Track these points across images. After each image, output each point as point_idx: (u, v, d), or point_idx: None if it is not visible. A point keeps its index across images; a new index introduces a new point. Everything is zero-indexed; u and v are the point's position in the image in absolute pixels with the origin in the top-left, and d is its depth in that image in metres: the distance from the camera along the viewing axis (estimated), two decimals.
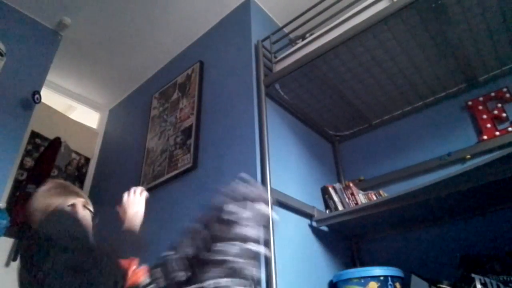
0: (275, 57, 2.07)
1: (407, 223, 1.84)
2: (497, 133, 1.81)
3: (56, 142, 2.83)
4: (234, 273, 0.73)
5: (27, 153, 2.68)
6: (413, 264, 1.73)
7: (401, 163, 2.07)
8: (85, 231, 0.87)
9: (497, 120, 1.84)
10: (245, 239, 0.77)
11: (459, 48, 1.77)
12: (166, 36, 2.75)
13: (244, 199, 0.85)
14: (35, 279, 0.67)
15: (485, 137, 1.82)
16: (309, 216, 1.85)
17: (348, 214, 1.72)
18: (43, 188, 1.07)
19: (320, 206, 2.01)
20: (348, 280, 1.53)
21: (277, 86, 2.01)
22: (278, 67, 1.98)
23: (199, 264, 0.76)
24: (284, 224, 1.68)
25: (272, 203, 1.57)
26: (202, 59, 2.53)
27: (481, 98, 1.92)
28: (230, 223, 0.79)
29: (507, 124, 1.82)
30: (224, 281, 0.71)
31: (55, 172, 2.75)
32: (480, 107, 1.90)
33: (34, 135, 2.76)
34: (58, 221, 0.81)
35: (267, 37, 2.17)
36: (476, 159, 1.75)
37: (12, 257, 2.34)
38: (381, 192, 1.96)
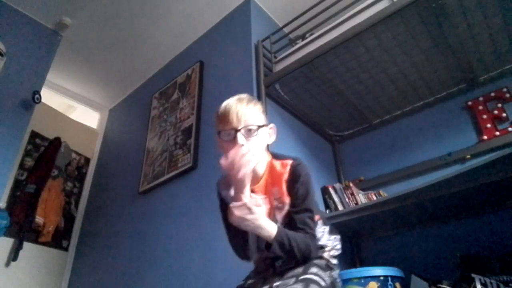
0: (275, 57, 2.07)
1: (407, 223, 1.83)
2: (497, 133, 1.80)
3: (56, 142, 2.83)
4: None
5: (27, 153, 2.68)
6: (413, 264, 1.73)
7: (401, 163, 2.07)
8: None
9: (497, 120, 1.84)
10: None
11: (459, 48, 1.77)
12: (166, 36, 2.75)
13: None
14: None
15: (485, 137, 1.82)
16: None
17: (348, 214, 1.71)
18: None
19: (320, 206, 2.00)
20: (348, 280, 1.52)
21: (277, 86, 2.01)
22: (278, 67, 1.98)
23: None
24: None
25: None
26: (202, 59, 2.53)
27: (481, 98, 1.91)
28: None
29: (507, 124, 1.82)
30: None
31: (55, 172, 2.75)
32: (480, 107, 1.90)
33: (34, 135, 2.76)
34: None
35: (267, 37, 2.16)
36: (476, 159, 1.75)
37: (12, 257, 2.34)
38: (381, 192, 1.96)
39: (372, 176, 2.16)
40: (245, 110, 0.95)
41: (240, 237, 0.95)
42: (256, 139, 0.94)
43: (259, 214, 0.87)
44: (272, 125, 1.03)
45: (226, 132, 0.95)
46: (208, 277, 1.70)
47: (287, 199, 0.97)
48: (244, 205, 0.86)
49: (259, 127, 0.95)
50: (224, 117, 0.95)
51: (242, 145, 0.90)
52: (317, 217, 0.99)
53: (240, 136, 0.92)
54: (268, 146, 1.02)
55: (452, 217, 1.73)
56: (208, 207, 1.91)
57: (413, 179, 1.97)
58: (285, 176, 0.97)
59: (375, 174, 2.16)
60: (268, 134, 1.02)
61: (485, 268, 1.40)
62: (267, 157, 1.02)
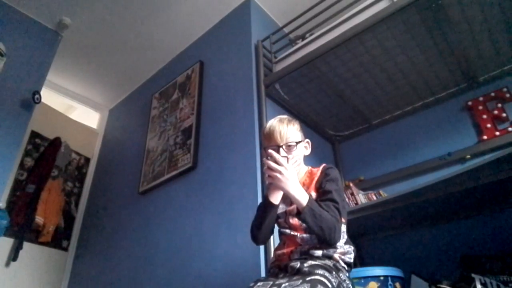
0: (275, 57, 2.07)
1: (407, 223, 1.84)
2: (497, 133, 1.80)
3: (56, 142, 2.83)
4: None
5: (27, 153, 2.68)
6: (413, 264, 1.73)
7: (401, 163, 2.07)
8: None
9: (497, 120, 1.84)
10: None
11: (459, 48, 1.77)
12: (166, 36, 2.75)
13: None
14: None
15: (485, 137, 1.82)
16: None
17: (348, 214, 1.71)
18: None
19: None
20: None
21: (277, 86, 2.01)
22: (278, 67, 1.98)
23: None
24: None
25: None
26: (202, 59, 2.53)
27: (481, 98, 1.91)
28: None
29: (507, 124, 1.82)
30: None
31: (55, 172, 2.75)
32: (480, 107, 1.90)
33: (34, 135, 2.76)
34: None
35: (267, 37, 2.16)
36: (476, 159, 1.75)
37: (12, 257, 2.34)
38: (381, 192, 1.96)
39: (372, 176, 2.16)
40: (286, 129, 1.15)
41: (259, 218, 1.11)
42: (295, 153, 1.14)
43: (291, 171, 1.01)
44: (307, 140, 1.22)
45: (271, 148, 1.13)
46: (208, 277, 1.70)
47: (312, 192, 1.10)
48: (275, 157, 1.02)
49: (297, 143, 1.15)
50: (269, 136, 1.15)
51: (285, 157, 1.09)
52: (343, 219, 1.07)
53: (282, 151, 1.11)
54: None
55: (452, 217, 1.73)
56: (208, 207, 1.91)
57: (413, 179, 1.97)
58: (317, 175, 1.14)
59: (375, 174, 2.16)
60: (305, 148, 1.20)
61: (485, 268, 1.41)
62: (307, 168, 1.20)
